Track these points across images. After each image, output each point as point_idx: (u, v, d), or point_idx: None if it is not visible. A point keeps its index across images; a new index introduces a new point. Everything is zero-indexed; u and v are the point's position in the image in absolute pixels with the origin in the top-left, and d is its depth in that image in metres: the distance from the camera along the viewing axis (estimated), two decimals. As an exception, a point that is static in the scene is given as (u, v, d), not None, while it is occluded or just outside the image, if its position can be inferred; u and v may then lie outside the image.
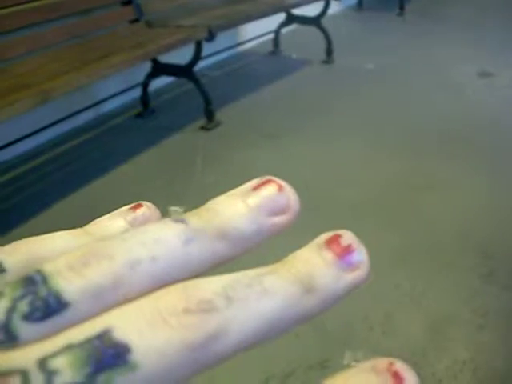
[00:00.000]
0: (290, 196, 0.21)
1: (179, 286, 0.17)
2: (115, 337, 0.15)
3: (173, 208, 2.19)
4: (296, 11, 4.09)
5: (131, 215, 0.23)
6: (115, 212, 0.24)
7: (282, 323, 0.17)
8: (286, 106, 3.33)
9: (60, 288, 0.16)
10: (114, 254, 0.17)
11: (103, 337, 0.15)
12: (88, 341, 0.15)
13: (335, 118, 3.11)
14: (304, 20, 4.18)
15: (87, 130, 3.09)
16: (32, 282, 0.16)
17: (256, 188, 0.20)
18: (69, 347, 0.15)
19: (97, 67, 2.43)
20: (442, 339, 1.65)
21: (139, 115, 3.25)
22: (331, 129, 2.98)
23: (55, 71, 2.37)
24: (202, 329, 0.16)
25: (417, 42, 4.52)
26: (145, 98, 3.25)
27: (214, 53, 3.95)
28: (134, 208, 0.24)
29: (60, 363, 0.15)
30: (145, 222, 0.23)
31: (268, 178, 0.21)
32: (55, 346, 0.15)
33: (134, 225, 0.23)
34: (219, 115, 3.09)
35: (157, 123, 3.16)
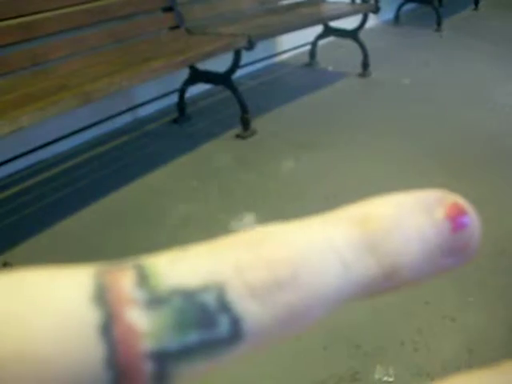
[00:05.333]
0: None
1: None
2: None
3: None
4: (333, 24, 4.09)
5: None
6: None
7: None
8: (320, 118, 3.33)
9: None
10: None
11: None
12: None
13: (370, 132, 3.09)
14: (341, 33, 4.18)
15: (124, 134, 3.13)
16: None
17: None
18: None
19: (138, 71, 2.45)
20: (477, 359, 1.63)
21: (175, 121, 3.28)
22: (366, 142, 2.97)
23: (97, 73, 2.41)
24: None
25: (454, 59, 4.49)
26: (181, 105, 3.28)
27: (251, 62, 3.97)
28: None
29: None
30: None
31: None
32: None
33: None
34: (254, 124, 3.10)
35: (192, 130, 3.18)
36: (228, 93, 3.11)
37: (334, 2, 4.08)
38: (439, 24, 5.47)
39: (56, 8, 2.65)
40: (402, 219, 0.16)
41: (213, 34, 3.05)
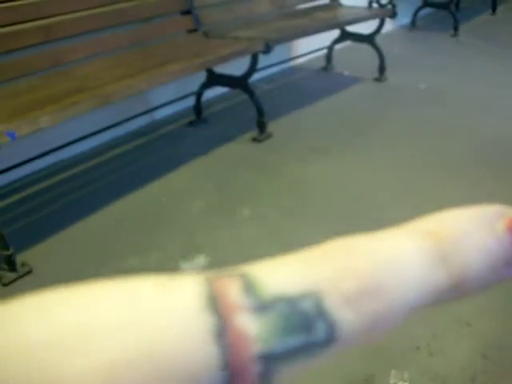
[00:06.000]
0: None
1: None
2: None
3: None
4: (350, 28, 4.09)
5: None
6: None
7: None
8: (336, 122, 3.33)
9: None
10: None
11: None
12: None
13: (385, 136, 3.09)
14: (358, 37, 4.18)
15: (141, 136, 3.15)
16: None
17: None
18: None
19: (156, 74, 2.47)
20: (492, 364, 1.62)
21: (192, 124, 3.29)
22: (381, 147, 2.96)
23: (115, 76, 2.43)
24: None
25: (471, 64, 4.47)
26: (198, 107, 3.29)
27: (267, 66, 3.98)
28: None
29: None
30: None
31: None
32: None
33: None
34: (270, 127, 3.11)
35: (209, 132, 3.20)
36: (244, 96, 3.12)
37: (351, 7, 4.09)
38: (456, 29, 5.45)
39: (75, 11, 2.68)
40: (467, 233, 0.17)
41: (230, 37, 3.06)
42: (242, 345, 0.14)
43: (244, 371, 0.14)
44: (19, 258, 2.03)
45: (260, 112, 3.05)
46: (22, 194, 2.59)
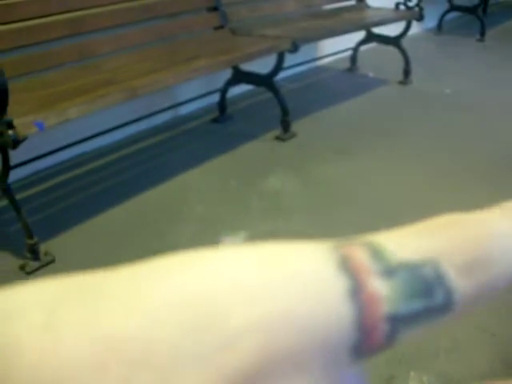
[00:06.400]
0: None
1: None
2: None
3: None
4: (376, 30, 4.08)
5: None
6: None
7: None
8: (360, 124, 3.32)
9: None
10: None
11: None
12: None
13: (410, 140, 3.07)
14: (383, 39, 4.16)
15: (165, 131, 3.17)
16: None
17: None
18: None
19: (183, 69, 2.48)
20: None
21: (216, 120, 3.30)
22: (404, 150, 2.95)
23: (143, 70, 2.44)
24: None
25: (497, 70, 4.43)
26: (222, 104, 3.30)
27: (292, 65, 3.98)
28: None
29: None
30: None
31: None
32: None
33: None
34: (294, 127, 3.11)
35: (232, 129, 3.20)
36: (269, 94, 3.12)
37: (378, 8, 4.07)
38: (483, 34, 5.41)
39: (103, 5, 2.70)
40: None
41: (257, 35, 3.07)
42: (374, 305, 0.15)
43: (374, 331, 0.15)
44: (42, 248, 2.05)
45: (284, 111, 3.05)
46: (47, 184, 2.62)
